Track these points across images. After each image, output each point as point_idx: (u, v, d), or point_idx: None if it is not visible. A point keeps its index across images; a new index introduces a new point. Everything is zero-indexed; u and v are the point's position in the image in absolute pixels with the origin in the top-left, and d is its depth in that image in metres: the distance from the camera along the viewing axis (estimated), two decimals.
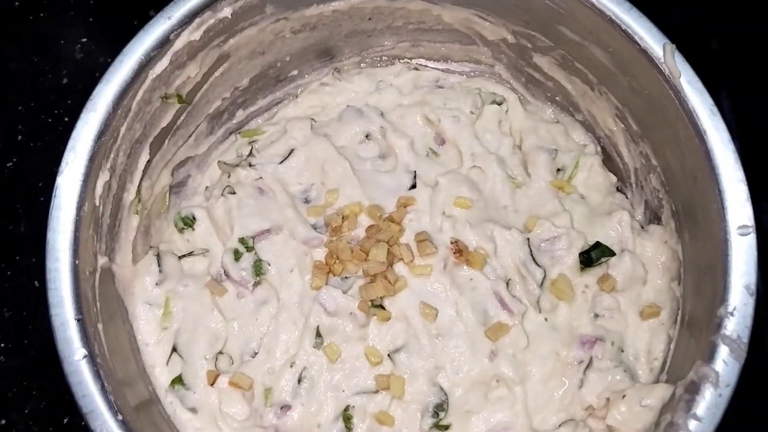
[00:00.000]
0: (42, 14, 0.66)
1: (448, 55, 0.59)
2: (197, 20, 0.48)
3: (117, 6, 0.66)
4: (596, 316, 0.49)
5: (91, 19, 0.66)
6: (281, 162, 0.54)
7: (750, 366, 0.41)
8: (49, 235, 0.42)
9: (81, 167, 0.44)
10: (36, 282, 0.57)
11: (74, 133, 0.44)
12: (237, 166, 0.54)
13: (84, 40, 0.65)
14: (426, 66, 0.60)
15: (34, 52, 0.64)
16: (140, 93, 0.47)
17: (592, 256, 0.50)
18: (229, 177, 0.54)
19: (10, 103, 0.62)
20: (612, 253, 0.50)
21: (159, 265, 0.50)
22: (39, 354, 0.56)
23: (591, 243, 0.51)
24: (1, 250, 0.59)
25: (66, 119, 0.62)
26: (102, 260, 0.45)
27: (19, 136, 0.61)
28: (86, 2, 0.66)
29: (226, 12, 0.49)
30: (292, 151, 0.54)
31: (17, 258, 0.58)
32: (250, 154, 0.55)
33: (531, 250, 0.51)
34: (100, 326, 0.43)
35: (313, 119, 0.57)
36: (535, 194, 0.54)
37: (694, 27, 0.54)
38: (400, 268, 0.50)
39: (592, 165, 0.55)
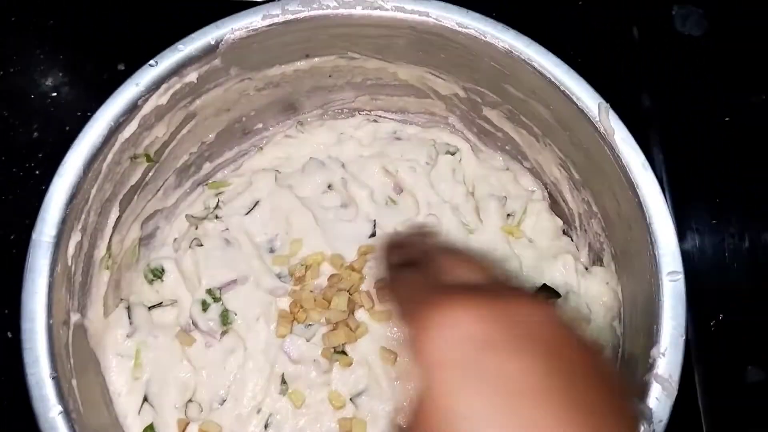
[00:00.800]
0: (12, 69, 0.67)
1: (404, 107, 0.62)
2: (164, 86, 0.50)
3: (86, 61, 0.68)
4: None
5: (60, 74, 0.68)
6: (247, 213, 0.57)
7: (680, 404, 0.44)
8: (24, 297, 0.44)
9: (53, 230, 0.46)
10: (9, 333, 0.59)
11: (46, 198, 0.46)
12: (204, 218, 0.57)
13: (54, 94, 0.67)
14: (385, 117, 0.63)
15: (5, 107, 0.66)
16: (110, 156, 0.49)
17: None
18: (196, 229, 0.57)
19: None
20: (558, 295, 0.54)
21: (129, 318, 0.52)
22: (11, 404, 0.58)
23: (538, 285, 0.54)
24: None
25: (37, 172, 0.64)
26: (75, 317, 0.47)
27: None
28: (56, 57, 0.68)
29: (192, 77, 0.51)
30: (257, 202, 0.57)
31: None
32: (217, 206, 0.58)
33: None
34: (74, 381, 0.45)
35: (277, 171, 0.60)
36: (486, 240, 0.57)
37: (628, 86, 0.59)
38: (361, 314, 0.53)
39: (540, 211, 0.59)
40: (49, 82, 0.67)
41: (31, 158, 0.64)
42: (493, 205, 0.58)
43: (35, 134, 0.65)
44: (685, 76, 0.58)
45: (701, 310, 0.52)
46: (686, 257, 0.47)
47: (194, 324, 0.53)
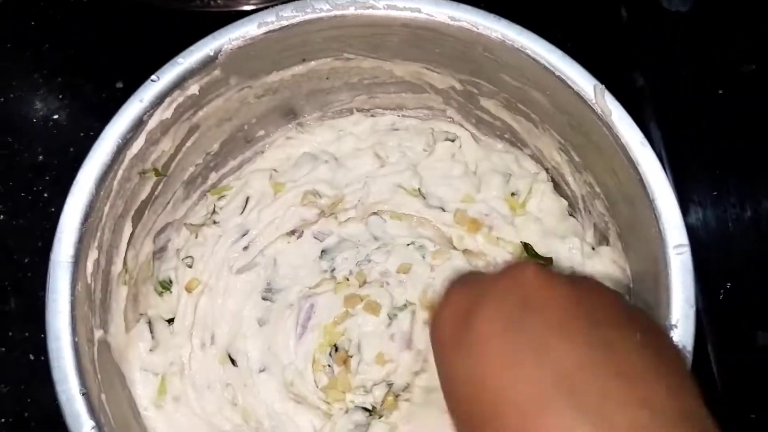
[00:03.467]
0: (12, 95, 0.68)
1: (402, 103, 0.63)
2: (167, 100, 0.51)
3: (84, 81, 0.68)
4: None
5: (60, 96, 0.68)
6: (241, 213, 0.58)
7: (695, 370, 0.45)
8: (48, 316, 0.45)
9: (71, 250, 0.47)
10: (31, 355, 0.60)
11: (62, 219, 0.47)
12: (203, 225, 0.58)
13: (55, 117, 0.67)
14: (383, 113, 0.64)
15: (8, 133, 0.67)
16: (120, 173, 0.50)
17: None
18: (196, 237, 0.58)
19: None
20: (549, 260, 0.55)
21: (151, 332, 0.53)
22: (40, 426, 0.59)
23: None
24: None
25: (45, 195, 0.65)
26: (98, 333, 0.48)
27: (1, 216, 0.64)
28: (54, 80, 0.69)
29: (194, 89, 0.52)
30: (247, 199, 0.59)
31: (10, 334, 0.61)
32: (214, 211, 0.59)
33: None
34: (103, 396, 0.46)
35: (274, 170, 0.61)
36: (484, 206, 0.58)
37: (620, 67, 0.60)
38: None
39: (545, 191, 0.60)
40: (49, 105, 0.68)
41: (37, 182, 0.65)
42: (496, 179, 0.59)
43: (40, 158, 0.66)
44: (675, 52, 0.60)
45: (709, 281, 0.53)
46: (691, 230, 0.48)
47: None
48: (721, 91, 0.58)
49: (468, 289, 0.36)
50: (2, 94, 0.68)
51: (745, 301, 0.53)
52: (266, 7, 0.53)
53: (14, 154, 0.66)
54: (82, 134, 0.66)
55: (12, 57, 0.69)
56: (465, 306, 0.34)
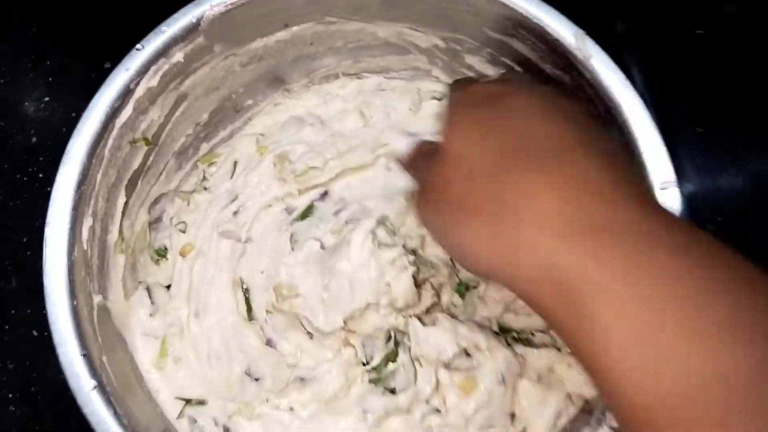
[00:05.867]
0: (2, 80, 0.69)
1: (388, 66, 0.64)
2: (153, 68, 0.52)
3: (73, 63, 0.69)
4: None
5: (50, 79, 0.69)
6: (231, 178, 0.59)
7: None
8: (46, 282, 0.46)
9: (66, 215, 0.47)
10: (34, 332, 0.60)
11: (55, 186, 0.48)
12: (193, 192, 0.59)
13: (46, 99, 0.68)
14: (369, 76, 0.65)
15: (1, 117, 0.68)
16: (110, 141, 0.51)
17: None
18: (188, 204, 0.59)
19: None
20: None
21: (150, 298, 0.54)
22: (47, 399, 0.59)
23: None
24: None
25: (40, 176, 0.65)
26: (97, 299, 0.49)
27: None
28: (43, 63, 0.70)
29: (179, 57, 0.53)
30: (235, 164, 0.59)
31: (12, 312, 0.61)
32: (204, 178, 0.60)
33: None
34: (104, 358, 0.47)
35: (261, 134, 0.61)
36: None
37: (600, 13, 0.60)
38: None
39: None
40: (40, 88, 0.69)
41: (32, 163, 0.66)
42: None
43: (33, 139, 0.67)
44: None
45: (697, 217, 0.53)
46: (677, 169, 0.49)
47: None
48: (701, 31, 0.58)
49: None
50: None
51: (732, 238, 0.53)
52: None
53: (8, 137, 0.66)
54: (74, 114, 0.66)
55: (2, 42, 0.70)
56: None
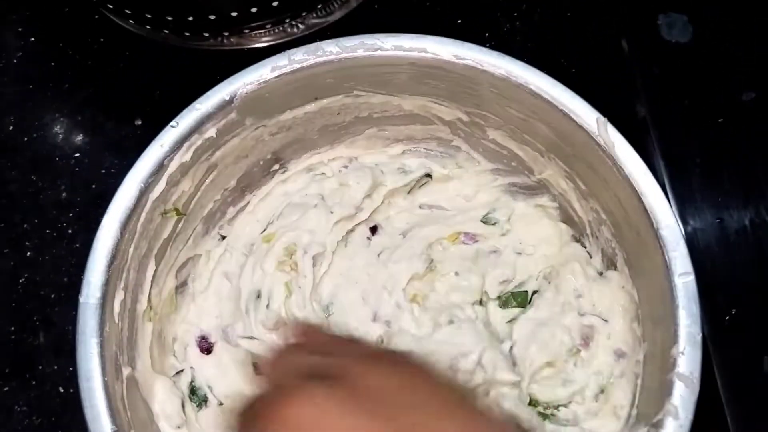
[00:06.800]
0: (35, 135, 0.71)
1: (411, 135, 0.65)
2: (186, 144, 0.53)
3: (105, 119, 0.71)
4: None
5: (81, 135, 0.71)
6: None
7: (702, 397, 0.47)
8: (78, 358, 0.47)
9: (98, 292, 0.49)
10: (60, 388, 0.62)
11: (89, 262, 0.50)
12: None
13: (77, 155, 0.70)
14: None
15: (32, 171, 0.69)
16: (143, 215, 0.52)
17: None
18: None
19: (15, 222, 0.67)
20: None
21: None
22: None
23: None
24: (23, 362, 0.63)
25: (70, 231, 0.67)
26: (126, 371, 0.51)
27: (28, 253, 0.66)
28: (75, 119, 0.71)
29: (212, 132, 0.54)
30: None
31: (39, 367, 0.63)
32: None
33: None
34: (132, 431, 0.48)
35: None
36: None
37: (622, 99, 0.62)
38: None
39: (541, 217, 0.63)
40: (71, 143, 0.70)
41: (62, 218, 0.67)
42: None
43: (63, 195, 0.68)
44: (676, 82, 0.61)
45: (715, 308, 0.54)
46: (695, 258, 0.50)
47: None
48: (721, 120, 0.59)
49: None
50: (26, 133, 0.71)
51: (750, 326, 0.54)
52: (277, 45, 0.55)
53: (39, 192, 0.68)
54: (103, 171, 0.69)
55: (35, 98, 0.72)
56: None
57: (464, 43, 0.55)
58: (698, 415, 0.47)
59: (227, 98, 0.54)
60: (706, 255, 0.56)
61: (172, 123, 0.53)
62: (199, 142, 0.54)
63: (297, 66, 0.55)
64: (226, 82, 0.54)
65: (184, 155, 0.54)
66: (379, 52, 0.55)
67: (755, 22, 0.63)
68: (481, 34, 0.69)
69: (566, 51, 0.67)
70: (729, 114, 0.59)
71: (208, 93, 0.54)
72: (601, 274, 0.59)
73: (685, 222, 0.54)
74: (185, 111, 0.53)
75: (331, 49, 0.55)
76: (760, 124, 0.59)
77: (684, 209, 0.56)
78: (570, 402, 0.56)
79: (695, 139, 0.59)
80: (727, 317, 0.54)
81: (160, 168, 0.53)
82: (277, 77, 0.55)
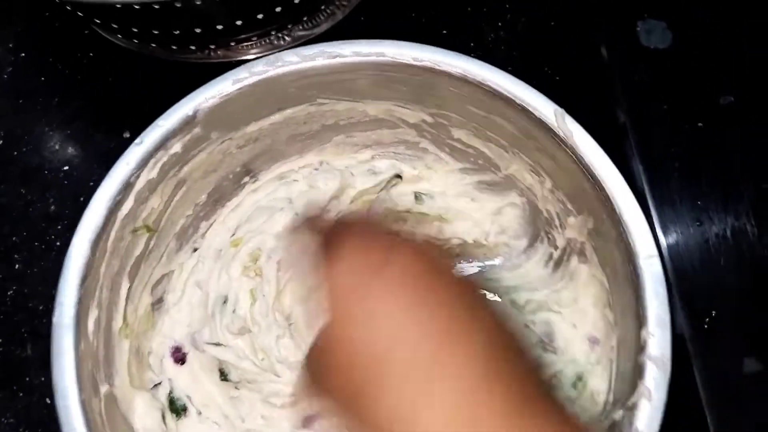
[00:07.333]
0: (24, 149, 0.71)
1: (378, 140, 0.66)
2: (152, 161, 0.54)
3: (93, 132, 0.71)
4: None
5: (70, 148, 0.71)
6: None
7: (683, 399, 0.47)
8: (54, 376, 0.48)
9: (71, 311, 0.49)
10: (47, 399, 0.61)
11: (60, 282, 0.50)
12: None
13: (66, 167, 0.70)
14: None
15: (22, 184, 0.69)
16: (112, 233, 0.53)
17: None
18: None
19: (5, 234, 0.67)
20: None
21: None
22: None
23: None
24: (11, 373, 0.63)
25: (58, 243, 0.67)
26: (104, 388, 0.51)
27: (17, 265, 0.66)
28: (65, 132, 0.72)
29: (177, 147, 0.55)
30: None
31: (27, 378, 0.63)
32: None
33: None
34: None
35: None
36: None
37: (601, 105, 0.63)
38: None
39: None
40: (59, 156, 0.70)
41: (50, 231, 0.67)
42: None
43: (52, 207, 0.68)
44: (655, 88, 0.62)
45: (695, 310, 0.55)
46: (675, 260, 0.51)
47: None
48: (701, 124, 0.61)
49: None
50: (16, 147, 0.71)
51: (730, 328, 0.55)
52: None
53: (28, 205, 0.68)
54: (92, 184, 0.67)
55: (24, 111, 0.72)
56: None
57: (423, 45, 0.56)
58: (679, 418, 0.47)
59: (190, 113, 0.55)
60: (685, 258, 0.57)
61: (136, 141, 0.54)
62: (165, 159, 0.55)
63: (257, 78, 0.56)
64: (187, 97, 0.55)
65: (151, 172, 0.54)
66: (338, 59, 0.56)
67: (733, 28, 0.64)
68: (466, 44, 0.70)
69: (549, 59, 0.69)
70: (708, 118, 0.60)
71: (171, 109, 0.55)
72: (569, 262, 0.60)
73: (664, 226, 0.55)
74: (149, 128, 0.54)
75: (291, 59, 0.56)
76: (738, 128, 0.60)
77: (663, 213, 0.57)
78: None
79: (674, 144, 0.59)
80: (707, 319, 0.54)
81: (127, 186, 0.53)
82: (238, 90, 0.56)
